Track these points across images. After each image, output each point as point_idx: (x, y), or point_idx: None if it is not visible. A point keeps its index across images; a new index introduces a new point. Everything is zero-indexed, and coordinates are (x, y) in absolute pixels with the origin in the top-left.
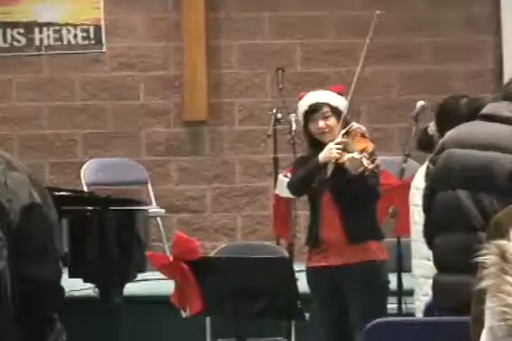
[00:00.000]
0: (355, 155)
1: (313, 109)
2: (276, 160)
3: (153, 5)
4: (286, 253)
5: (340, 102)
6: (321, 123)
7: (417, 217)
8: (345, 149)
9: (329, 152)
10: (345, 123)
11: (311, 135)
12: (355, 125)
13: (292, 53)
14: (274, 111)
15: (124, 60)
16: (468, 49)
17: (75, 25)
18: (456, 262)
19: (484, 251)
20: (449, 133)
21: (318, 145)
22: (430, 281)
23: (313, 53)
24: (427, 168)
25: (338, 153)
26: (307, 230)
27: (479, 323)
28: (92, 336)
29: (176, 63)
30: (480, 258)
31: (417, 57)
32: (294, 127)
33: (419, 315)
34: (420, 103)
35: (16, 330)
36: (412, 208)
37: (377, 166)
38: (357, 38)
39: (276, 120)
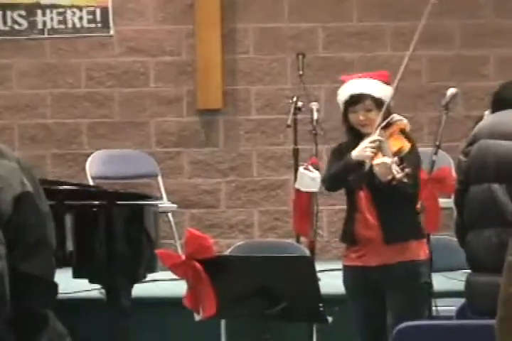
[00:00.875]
0: (386, 160)
1: (355, 101)
2: (296, 152)
3: None
4: (307, 252)
5: (385, 93)
6: (362, 117)
7: None
8: (380, 147)
9: (363, 151)
10: (387, 114)
11: (350, 124)
12: (395, 117)
13: (314, 37)
14: (295, 99)
15: (133, 44)
16: (502, 32)
17: (80, 7)
18: (490, 260)
19: None
20: (483, 123)
21: (356, 134)
22: None
23: (336, 37)
24: (459, 160)
25: (371, 152)
26: (343, 226)
27: (508, 327)
28: (98, 340)
29: (188, 47)
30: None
31: (448, 41)
32: (315, 116)
33: None
34: (451, 90)
35: (8, 327)
36: None
37: (406, 175)
38: (383, 20)
39: (297, 109)
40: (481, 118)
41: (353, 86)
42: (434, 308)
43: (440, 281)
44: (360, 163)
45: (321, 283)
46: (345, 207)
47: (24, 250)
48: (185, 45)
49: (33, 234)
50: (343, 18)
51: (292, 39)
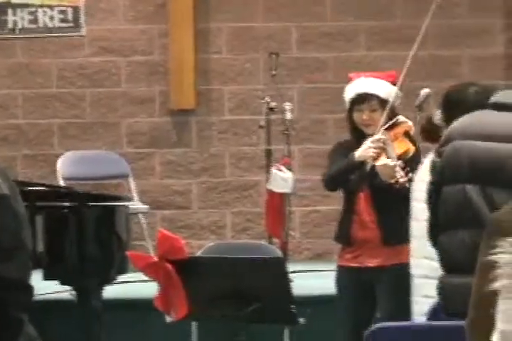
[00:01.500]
0: (390, 162)
1: (361, 100)
2: (269, 153)
3: None
4: (279, 253)
5: (391, 93)
6: (366, 116)
7: (419, 212)
8: (383, 148)
9: (366, 151)
10: (392, 115)
11: (354, 123)
12: (400, 118)
13: (287, 37)
14: (268, 99)
15: (105, 44)
16: (477, 32)
17: (51, 7)
18: (465, 261)
19: (497, 250)
20: (456, 124)
21: (360, 134)
22: (431, 282)
23: (310, 36)
24: (432, 160)
25: (374, 152)
26: (338, 226)
27: (479, 328)
28: None
29: (160, 47)
30: (492, 257)
31: (422, 41)
32: (288, 117)
33: (419, 318)
34: (425, 90)
35: None
36: (414, 203)
37: (409, 180)
38: (357, 20)
39: (270, 109)
40: (430, 118)
41: (360, 85)
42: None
43: None
44: (363, 163)
45: (293, 285)
46: (317, 208)
47: (0, 253)
48: (158, 44)
49: (9, 237)
50: (317, 17)
51: (266, 39)
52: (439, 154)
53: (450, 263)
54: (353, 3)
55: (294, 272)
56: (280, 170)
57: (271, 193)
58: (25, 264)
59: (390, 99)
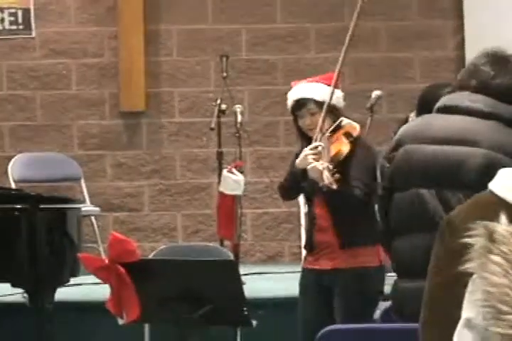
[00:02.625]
0: (318, 165)
1: (298, 106)
2: (220, 155)
3: None
4: (231, 255)
5: (328, 94)
6: (307, 121)
7: None
8: (320, 153)
9: (304, 158)
10: (336, 117)
11: (301, 129)
12: (344, 121)
13: (237, 39)
14: (218, 101)
15: (55, 46)
16: (428, 35)
17: (1, 9)
18: (419, 266)
19: (471, 233)
20: (405, 128)
21: (309, 139)
22: None
23: (260, 39)
24: (382, 166)
25: (312, 159)
26: (305, 233)
27: (430, 328)
28: None
29: (111, 49)
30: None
31: (373, 42)
32: (239, 119)
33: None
34: (376, 92)
35: None
36: None
37: (337, 181)
38: (308, 22)
39: (220, 111)
40: (405, 120)
41: (296, 91)
42: None
43: None
44: (304, 173)
45: (245, 287)
46: (268, 210)
47: None
48: (108, 47)
49: None
50: (267, 19)
51: (216, 41)
52: (388, 160)
53: (404, 267)
54: (303, 5)
55: (246, 274)
56: (231, 172)
57: (222, 195)
58: None
59: (326, 100)
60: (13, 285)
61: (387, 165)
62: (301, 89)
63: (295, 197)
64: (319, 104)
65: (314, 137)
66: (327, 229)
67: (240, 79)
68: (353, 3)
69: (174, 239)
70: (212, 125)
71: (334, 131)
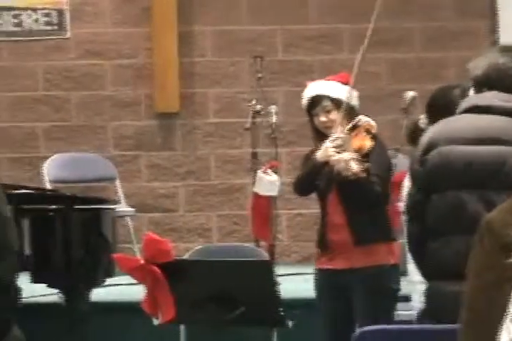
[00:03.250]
0: (345, 156)
1: (314, 103)
2: (255, 156)
3: None
4: (266, 256)
5: (344, 93)
6: (323, 118)
7: None
8: (342, 146)
9: (325, 150)
10: (352, 116)
11: (317, 128)
12: (363, 119)
13: (272, 40)
14: (253, 102)
15: (90, 47)
16: (462, 35)
17: (36, 10)
18: (461, 268)
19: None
20: (437, 130)
21: (325, 138)
22: None
23: (295, 39)
24: (414, 169)
25: (334, 151)
26: (317, 232)
27: (471, 330)
28: None
29: (145, 50)
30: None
31: (408, 43)
32: (274, 119)
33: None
34: (411, 93)
35: None
36: None
37: (365, 170)
38: (342, 23)
39: (255, 112)
40: (416, 122)
41: (311, 89)
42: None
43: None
44: (326, 164)
45: (280, 287)
46: (303, 211)
47: None
48: (143, 47)
49: None
50: (301, 20)
51: (250, 42)
52: (421, 163)
53: (444, 270)
54: (337, 6)
55: (281, 275)
56: (266, 173)
57: (257, 196)
58: (11, 265)
59: (343, 99)
60: (49, 286)
61: (420, 168)
62: (316, 87)
63: (310, 193)
64: (335, 102)
65: (333, 133)
66: (341, 227)
67: (275, 80)
68: (387, 3)
69: (209, 239)
70: (247, 125)
71: (353, 129)
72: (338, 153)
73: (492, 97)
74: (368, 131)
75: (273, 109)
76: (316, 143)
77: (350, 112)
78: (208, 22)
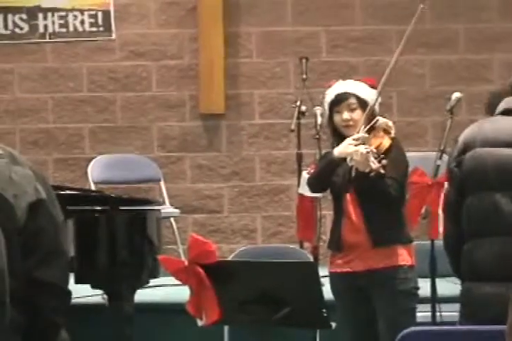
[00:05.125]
0: (362, 149)
1: (340, 99)
2: (299, 157)
3: None
4: (310, 257)
5: (370, 95)
6: (346, 115)
7: None
8: (362, 145)
9: (346, 147)
10: (372, 117)
11: (335, 127)
12: (380, 120)
13: (317, 41)
14: (298, 103)
15: (135, 48)
16: (507, 36)
17: (81, 11)
18: (494, 269)
19: None
20: (472, 131)
21: (341, 139)
22: None
23: (340, 41)
24: (450, 170)
25: (354, 149)
26: (330, 232)
27: None
28: None
29: (191, 51)
30: None
31: (452, 45)
32: (319, 121)
33: None
34: (456, 95)
35: (13, 334)
36: None
37: (383, 166)
38: (388, 24)
39: (300, 113)
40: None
41: (338, 86)
42: (437, 314)
43: (443, 286)
44: (343, 161)
45: (324, 289)
46: None
47: (38, 257)
48: (188, 49)
49: (47, 241)
50: (346, 21)
51: (295, 43)
52: (457, 163)
53: (479, 271)
54: (381, 7)
55: (325, 276)
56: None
57: (302, 197)
58: (63, 268)
59: (369, 100)
60: (93, 287)
61: (456, 169)
62: (344, 85)
63: (324, 190)
64: (360, 101)
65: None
66: (358, 228)
67: (320, 81)
68: (436, 5)
69: (253, 240)
70: (292, 127)
71: (371, 129)
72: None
73: None
74: (385, 131)
75: (318, 110)
76: (333, 142)
77: (371, 114)
78: (253, 23)
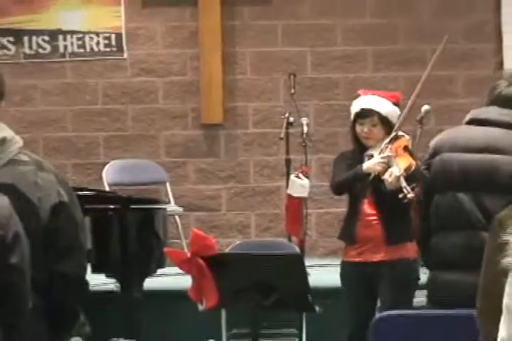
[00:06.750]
0: (396, 171)
1: (364, 115)
2: (288, 162)
3: (171, 13)
4: (297, 250)
5: (391, 112)
6: (366, 129)
7: None
8: (389, 163)
9: (374, 165)
10: (390, 129)
11: (356, 135)
12: (399, 133)
13: (303, 60)
14: (287, 115)
15: (144, 66)
16: (470, 56)
17: (97, 33)
18: (458, 259)
19: (507, 233)
20: (441, 138)
21: (360, 145)
22: None
23: (323, 59)
24: (421, 172)
25: (382, 167)
26: (342, 225)
27: (486, 315)
28: (113, 328)
29: (193, 69)
30: (504, 239)
31: (422, 63)
32: (305, 130)
33: None
34: (425, 107)
35: (37, 320)
36: None
37: (416, 196)
38: (364, 45)
39: (289, 123)
40: None
41: (365, 101)
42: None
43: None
44: (368, 174)
45: (309, 278)
46: (330, 210)
47: (59, 252)
48: (190, 66)
49: (67, 238)
50: (328, 43)
51: (284, 62)
52: (427, 166)
53: (444, 260)
54: (359, 31)
55: (310, 266)
56: (298, 177)
57: (290, 197)
58: (82, 262)
59: (390, 117)
60: (107, 276)
61: (426, 171)
62: (370, 101)
63: (344, 193)
64: (381, 118)
65: (376, 147)
66: (373, 225)
67: (306, 95)
68: (407, 28)
69: (248, 235)
70: (282, 135)
71: (390, 141)
72: (384, 169)
73: (491, 112)
74: (406, 148)
75: (304, 120)
76: (355, 147)
77: (389, 127)
78: (248, 44)
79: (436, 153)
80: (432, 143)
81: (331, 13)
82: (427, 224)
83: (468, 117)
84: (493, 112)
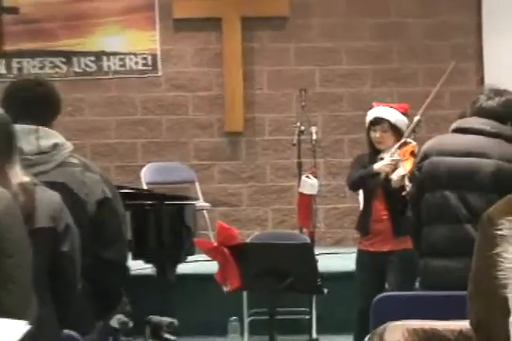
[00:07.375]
0: (402, 172)
1: (377, 122)
2: (299, 164)
3: (199, 37)
4: (308, 240)
5: (400, 121)
6: (378, 135)
7: None
8: (397, 165)
9: (385, 166)
10: (400, 136)
11: (370, 139)
12: (408, 139)
13: (313, 77)
14: (298, 124)
15: (176, 82)
16: (456, 73)
17: (135, 54)
18: (444, 248)
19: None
20: (430, 144)
21: (374, 148)
22: None
23: (330, 77)
24: (413, 173)
25: (390, 168)
26: (358, 219)
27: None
28: (151, 307)
29: (218, 85)
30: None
31: (413, 80)
32: (314, 137)
33: None
34: (416, 118)
35: (86, 300)
36: None
37: None
38: (365, 64)
39: (300, 131)
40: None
41: (378, 111)
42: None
43: None
44: (378, 174)
45: (318, 264)
46: (336, 206)
47: (104, 241)
48: (216, 83)
49: (111, 229)
50: (334, 62)
51: (296, 78)
52: (418, 168)
53: (432, 250)
54: (361, 51)
55: (319, 254)
56: (308, 177)
57: (301, 195)
58: (124, 250)
59: (399, 125)
60: (146, 262)
61: (417, 172)
62: (382, 111)
63: (359, 190)
64: (391, 125)
65: (387, 151)
66: (383, 220)
67: (315, 107)
68: (401, 49)
69: (265, 227)
70: (294, 142)
71: (400, 147)
72: (392, 169)
73: (473, 121)
74: (412, 153)
75: (313, 129)
76: (370, 151)
77: (399, 133)
78: (265, 64)
79: (426, 156)
80: (423, 148)
81: (336, 37)
82: (417, 218)
83: (453, 126)
84: (475, 122)
